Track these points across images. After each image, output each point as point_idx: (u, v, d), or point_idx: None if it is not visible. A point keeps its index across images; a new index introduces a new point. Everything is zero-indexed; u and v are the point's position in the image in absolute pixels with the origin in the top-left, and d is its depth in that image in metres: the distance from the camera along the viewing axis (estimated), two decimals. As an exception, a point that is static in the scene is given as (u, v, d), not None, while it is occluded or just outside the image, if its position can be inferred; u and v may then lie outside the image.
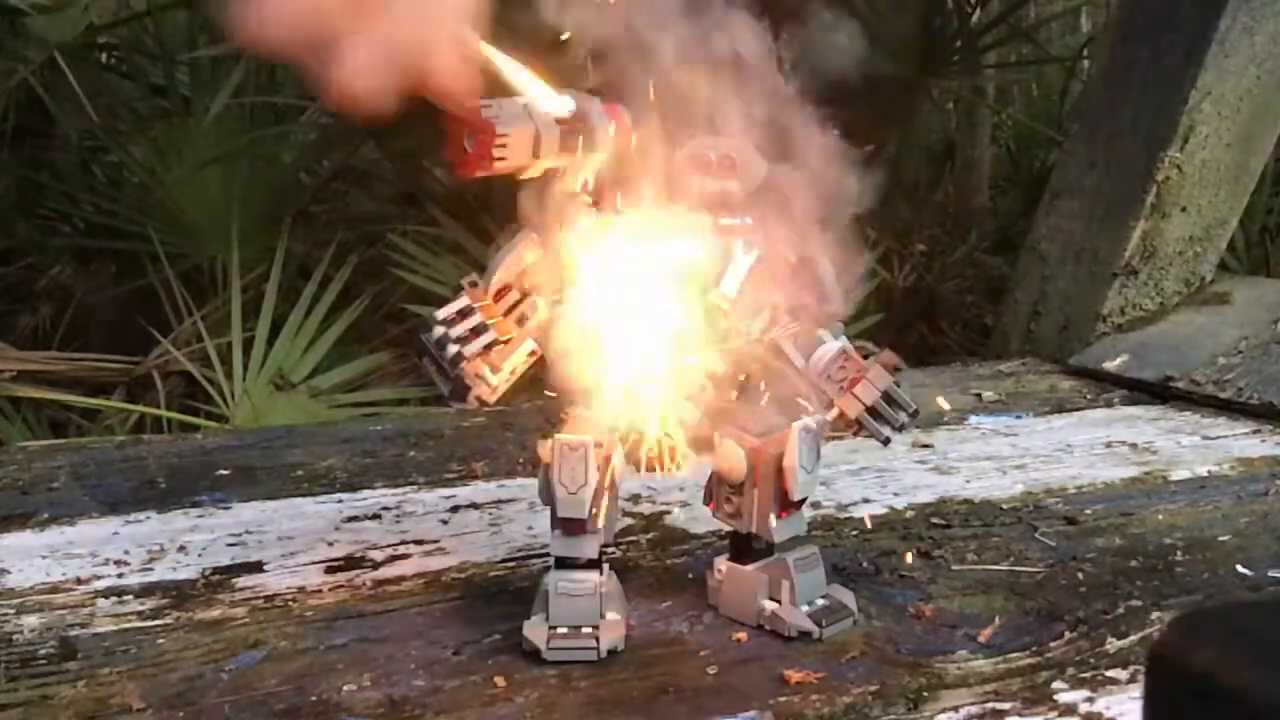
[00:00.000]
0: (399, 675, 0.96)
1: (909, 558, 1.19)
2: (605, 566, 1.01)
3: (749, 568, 1.05)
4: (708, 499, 1.07)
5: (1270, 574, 1.16)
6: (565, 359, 0.97)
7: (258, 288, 2.64)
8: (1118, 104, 2.19)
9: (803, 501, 1.04)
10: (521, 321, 0.98)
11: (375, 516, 1.35)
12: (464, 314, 0.95)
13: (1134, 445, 1.63)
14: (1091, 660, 0.98)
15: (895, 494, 1.42)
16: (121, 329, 2.82)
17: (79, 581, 1.16)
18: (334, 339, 2.60)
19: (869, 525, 1.29)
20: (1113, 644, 1.01)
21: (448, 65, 0.74)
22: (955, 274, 3.55)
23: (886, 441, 1.04)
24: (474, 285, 0.97)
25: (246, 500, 1.41)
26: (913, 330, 3.31)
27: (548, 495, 0.97)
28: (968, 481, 1.47)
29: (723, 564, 1.07)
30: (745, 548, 1.05)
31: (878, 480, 1.47)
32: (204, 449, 1.64)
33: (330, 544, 1.26)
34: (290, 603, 1.11)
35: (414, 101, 0.79)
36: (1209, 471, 1.51)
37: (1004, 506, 1.37)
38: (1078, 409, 1.86)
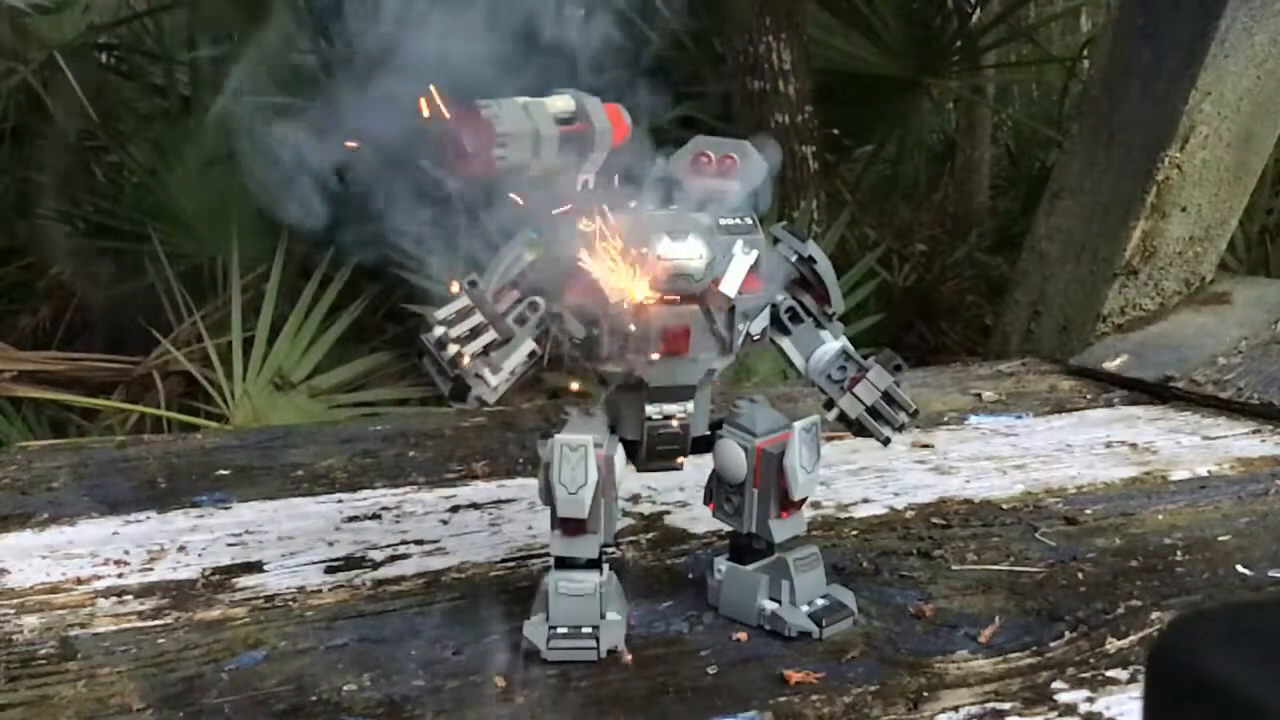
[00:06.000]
0: (399, 675, 0.96)
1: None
2: (605, 566, 1.01)
3: (749, 568, 1.05)
4: (708, 499, 1.08)
5: (1270, 574, 1.16)
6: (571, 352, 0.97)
7: (258, 288, 2.64)
8: (1118, 104, 2.19)
9: (803, 501, 1.04)
10: (522, 322, 0.98)
11: (375, 516, 1.35)
12: (464, 314, 0.95)
13: (1134, 445, 1.63)
14: (1091, 660, 0.98)
15: (895, 494, 1.42)
16: (121, 329, 2.83)
17: (79, 581, 1.16)
18: (334, 339, 2.60)
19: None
20: (1113, 644, 1.01)
21: None
22: (955, 274, 3.55)
23: (886, 441, 1.04)
24: (474, 285, 0.97)
25: (246, 500, 1.41)
26: (913, 330, 3.31)
27: (548, 495, 0.97)
28: (968, 481, 1.47)
29: (723, 564, 1.07)
30: (745, 548, 1.06)
31: (878, 480, 1.47)
32: (204, 449, 1.64)
33: (330, 544, 1.26)
34: (290, 603, 1.11)
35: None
36: (1209, 471, 1.50)
37: (1004, 506, 1.37)
38: (1078, 409, 1.86)
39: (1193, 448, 1.62)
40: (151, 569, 1.20)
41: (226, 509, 1.38)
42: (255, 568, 1.20)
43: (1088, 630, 1.03)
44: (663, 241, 0.95)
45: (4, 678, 0.96)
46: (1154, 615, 1.06)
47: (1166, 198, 2.10)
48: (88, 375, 2.59)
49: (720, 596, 1.06)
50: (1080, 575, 1.16)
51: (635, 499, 1.38)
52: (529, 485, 1.39)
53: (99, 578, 1.17)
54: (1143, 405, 1.87)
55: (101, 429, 2.44)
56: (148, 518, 1.35)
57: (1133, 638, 1.02)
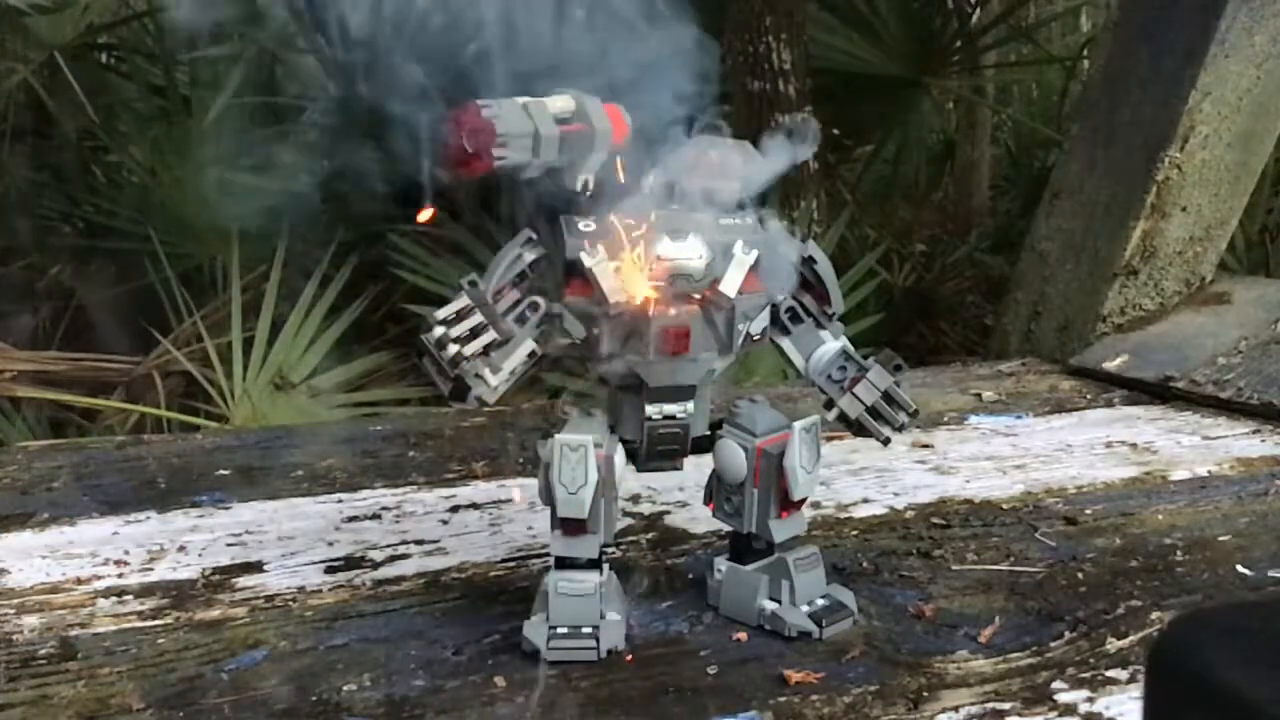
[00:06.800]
0: (399, 675, 0.96)
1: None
2: (605, 566, 1.01)
3: (749, 568, 1.05)
4: (708, 499, 1.08)
5: (1270, 574, 1.16)
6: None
7: (258, 288, 2.64)
8: (1118, 104, 2.19)
9: (803, 501, 1.04)
10: (522, 321, 0.98)
11: (375, 516, 1.35)
12: (464, 314, 0.95)
13: (1134, 445, 1.63)
14: (1091, 660, 0.98)
15: (895, 494, 1.42)
16: (121, 329, 2.82)
17: (79, 581, 1.16)
18: (334, 339, 2.60)
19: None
20: (1113, 644, 1.01)
21: None
22: (955, 274, 3.55)
23: (886, 441, 1.04)
24: (474, 285, 0.97)
25: (246, 500, 1.41)
26: (913, 330, 3.31)
27: (548, 495, 0.97)
28: (968, 481, 1.47)
29: (723, 564, 1.07)
30: (745, 548, 1.06)
31: (878, 480, 1.47)
32: (204, 449, 1.64)
33: (330, 544, 1.26)
34: (290, 603, 1.11)
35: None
36: (1209, 471, 1.50)
37: (1004, 506, 1.37)
38: (1078, 409, 1.86)
39: (1193, 448, 1.62)
40: (151, 569, 1.20)
41: (226, 509, 1.38)
42: (255, 568, 1.20)
43: (1088, 630, 1.03)
44: (663, 241, 0.95)
45: (4, 678, 0.96)
46: (1154, 615, 1.06)
47: (1166, 198, 2.10)
48: (88, 375, 2.58)
49: (720, 596, 1.06)
50: (1080, 575, 1.16)
51: (635, 499, 1.38)
52: (529, 485, 1.39)
53: (99, 578, 1.17)
54: (1143, 405, 1.87)
55: (101, 429, 2.44)
56: (148, 518, 1.35)
57: (1133, 638, 1.02)
